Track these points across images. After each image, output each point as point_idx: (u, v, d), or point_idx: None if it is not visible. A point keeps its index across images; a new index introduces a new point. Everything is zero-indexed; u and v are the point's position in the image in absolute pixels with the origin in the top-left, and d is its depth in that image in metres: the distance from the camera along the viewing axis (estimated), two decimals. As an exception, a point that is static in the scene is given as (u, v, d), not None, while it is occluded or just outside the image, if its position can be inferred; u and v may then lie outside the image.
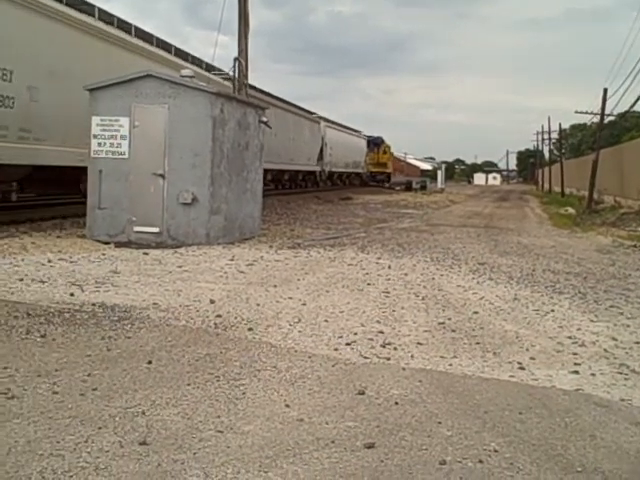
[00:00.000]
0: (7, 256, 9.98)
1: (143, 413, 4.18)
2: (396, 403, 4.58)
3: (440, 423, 4.25)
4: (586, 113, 40.29)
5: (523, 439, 4.04)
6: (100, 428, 3.92)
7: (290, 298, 7.83)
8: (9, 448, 3.59)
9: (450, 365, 5.54)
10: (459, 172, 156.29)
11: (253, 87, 23.48)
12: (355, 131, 59.19)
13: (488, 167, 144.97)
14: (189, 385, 4.75)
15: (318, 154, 42.36)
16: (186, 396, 4.53)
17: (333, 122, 49.72)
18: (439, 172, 64.59)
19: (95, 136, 12.59)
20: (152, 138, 12.35)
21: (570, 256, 12.98)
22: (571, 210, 29.02)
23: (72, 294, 7.52)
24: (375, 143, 64.44)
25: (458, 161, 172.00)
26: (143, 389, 4.62)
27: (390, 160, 69.18)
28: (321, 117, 45.44)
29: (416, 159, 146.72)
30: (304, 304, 7.54)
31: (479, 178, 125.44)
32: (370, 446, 3.83)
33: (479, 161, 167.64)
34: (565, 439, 4.07)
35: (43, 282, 8.14)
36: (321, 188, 43.19)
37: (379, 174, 64.90)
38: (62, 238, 12.45)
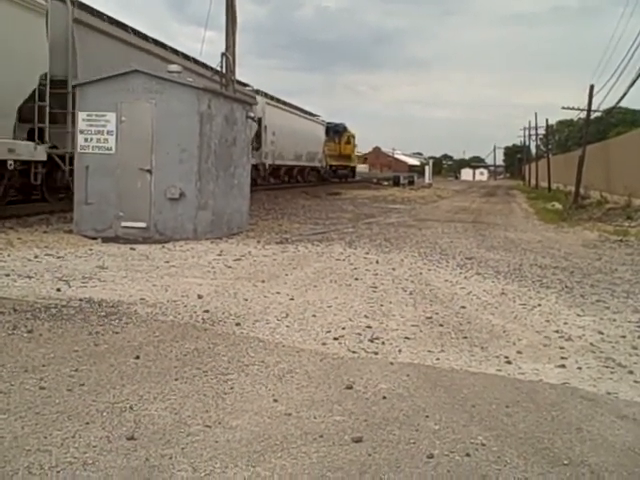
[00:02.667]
0: (-7, 252, 9.91)
1: (131, 408, 4.17)
2: (384, 397, 4.59)
3: (428, 417, 4.26)
4: (573, 109, 40.37)
5: (510, 433, 4.06)
6: (87, 423, 3.91)
7: (278, 293, 7.83)
8: (-4, 444, 3.58)
9: (438, 359, 5.55)
10: (447, 167, 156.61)
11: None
12: (310, 114, 47.66)
13: (475, 162, 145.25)
14: (177, 380, 4.74)
15: (253, 141, 33.12)
16: (174, 391, 4.52)
17: (278, 100, 38.91)
18: (427, 167, 64.79)
19: (82, 131, 12.55)
20: (139, 133, 12.30)
21: (557, 251, 13.04)
22: (558, 205, 29.14)
23: (59, 289, 7.48)
24: (336, 131, 54.55)
25: (446, 156, 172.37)
26: (131, 384, 4.61)
27: (354, 152, 60.89)
28: (258, 91, 34.16)
29: (404, 154, 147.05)
30: (292, 299, 7.54)
31: (466, 173, 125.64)
32: (358, 440, 3.84)
33: (467, 156, 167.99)
34: (552, 432, 4.09)
35: (30, 277, 8.10)
36: (259, 187, 30.61)
37: (341, 168, 56.24)
38: (49, 233, 12.40)
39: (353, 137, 58.72)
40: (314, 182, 47.03)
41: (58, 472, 3.31)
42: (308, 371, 5.09)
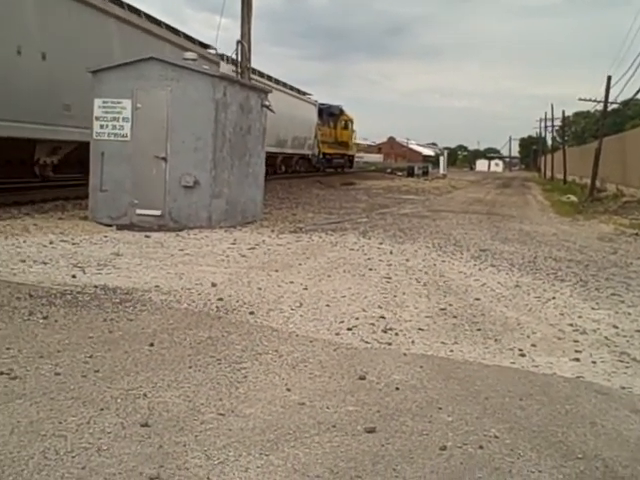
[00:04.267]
0: (9, 237, 9.98)
1: (145, 395, 4.20)
2: (397, 388, 4.59)
3: (441, 409, 4.26)
4: (589, 101, 40.25)
5: (523, 426, 4.06)
6: (102, 410, 3.94)
7: (292, 282, 7.84)
8: (12, 428, 3.61)
9: (451, 351, 5.55)
10: (461, 158, 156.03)
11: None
12: (299, 92, 39.44)
13: (491, 153, 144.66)
14: (190, 368, 4.76)
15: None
16: (188, 379, 4.54)
17: (253, 70, 27.63)
18: (441, 158, 64.39)
19: (97, 118, 12.57)
20: (154, 121, 12.31)
21: (572, 244, 12.98)
22: (573, 198, 28.97)
23: (74, 276, 7.52)
24: (330, 113, 47.05)
25: (460, 147, 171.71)
26: (145, 371, 4.63)
27: (353, 138, 53.75)
28: (223, 56, 26.11)
29: (418, 145, 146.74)
30: (305, 288, 7.55)
31: (481, 164, 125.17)
32: (371, 431, 3.85)
33: (482, 147, 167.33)
34: (565, 426, 4.08)
35: (45, 264, 8.15)
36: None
37: (337, 157, 49.25)
38: (64, 220, 12.45)
39: (351, 121, 51.77)
40: (302, 173, 40.34)
41: (73, 457, 3.33)
42: (321, 361, 5.10)
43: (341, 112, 49.60)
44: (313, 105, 42.33)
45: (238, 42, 20.18)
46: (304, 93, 41.04)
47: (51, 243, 9.69)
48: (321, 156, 44.40)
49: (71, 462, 3.29)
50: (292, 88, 37.54)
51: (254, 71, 30.11)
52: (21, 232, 10.57)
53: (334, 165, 49.23)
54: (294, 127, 35.94)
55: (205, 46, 23.75)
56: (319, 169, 44.57)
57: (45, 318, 5.78)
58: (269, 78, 32.52)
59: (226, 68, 24.12)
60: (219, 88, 12.51)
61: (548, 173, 66.08)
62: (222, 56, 26.62)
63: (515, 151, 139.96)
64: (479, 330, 6.22)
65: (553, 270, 9.61)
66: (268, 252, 10.06)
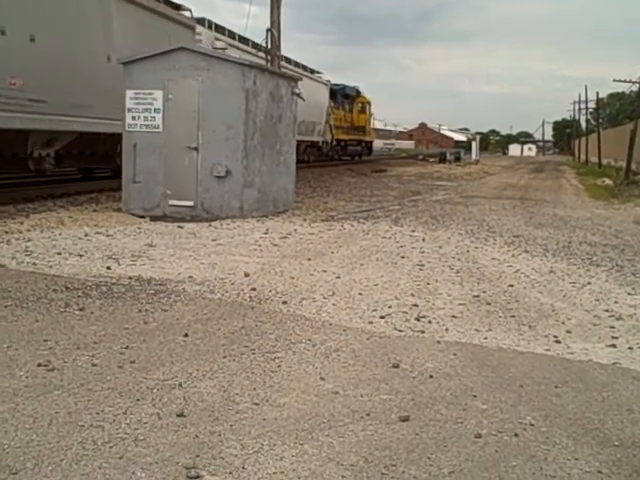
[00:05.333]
0: (45, 230, 10.13)
1: (180, 385, 4.24)
2: (431, 376, 4.58)
3: (475, 396, 4.24)
4: (625, 82, 39.52)
5: (559, 413, 4.02)
6: (138, 400, 3.98)
7: (324, 271, 7.85)
8: (50, 419, 3.67)
9: (485, 338, 5.52)
10: (494, 143, 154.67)
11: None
12: (306, 69, 33.56)
13: (523, 138, 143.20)
14: (225, 358, 4.80)
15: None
16: (222, 369, 4.57)
17: (243, 39, 26.33)
18: (473, 143, 63.77)
19: (129, 109, 12.66)
20: (185, 111, 12.37)
21: (607, 228, 12.81)
22: (608, 181, 28.54)
23: (109, 267, 7.61)
24: (345, 95, 42.39)
25: (493, 132, 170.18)
26: (180, 362, 4.68)
27: (371, 123, 49.34)
28: (202, 20, 23.62)
29: (450, 130, 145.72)
30: (338, 277, 7.55)
31: (514, 149, 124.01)
32: (405, 419, 3.85)
33: (514, 132, 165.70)
34: (602, 413, 4.04)
35: (80, 255, 8.25)
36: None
37: (352, 143, 44.33)
38: (98, 212, 12.60)
39: (369, 104, 46.87)
40: (313, 163, 35.34)
41: (111, 447, 3.38)
42: (355, 349, 5.10)
43: (358, 94, 45.11)
44: (324, 85, 36.88)
45: (268, 30, 20.18)
46: (313, 71, 35.27)
47: (86, 235, 9.81)
48: (334, 143, 39.56)
49: (109, 452, 3.34)
50: (298, 64, 32.08)
51: (245, 40, 26.07)
52: (56, 225, 10.72)
53: (349, 153, 44.64)
54: (300, 110, 30.63)
55: (176, 7, 20.45)
56: (332, 157, 39.90)
57: (81, 310, 5.86)
58: (255, 46, 25.28)
59: (207, 34, 21.97)
60: (249, 77, 12.52)
61: (582, 157, 65.16)
62: (200, 20, 23.23)
63: (548, 135, 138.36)
64: (513, 317, 6.18)
65: (588, 255, 9.50)
66: (300, 241, 10.08)
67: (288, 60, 29.34)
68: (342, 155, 42.99)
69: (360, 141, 46.37)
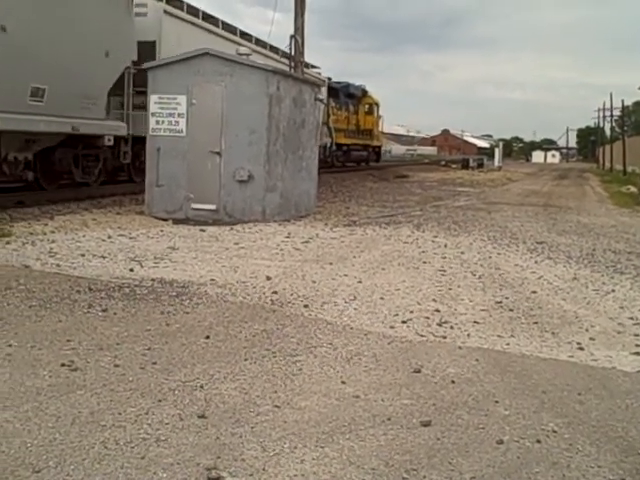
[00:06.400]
0: (69, 232, 10.23)
1: (202, 387, 4.25)
2: (452, 382, 4.56)
3: (497, 402, 4.21)
4: (650, 89, 39.12)
5: (582, 420, 3.99)
6: (160, 401, 4.00)
7: (346, 275, 7.84)
8: (73, 418, 3.70)
9: (507, 344, 5.48)
10: (517, 150, 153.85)
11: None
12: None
13: (547, 145, 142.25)
14: (246, 360, 4.80)
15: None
16: (243, 371, 4.58)
17: (209, 17, 21.28)
18: (496, 150, 63.38)
19: (153, 114, 12.75)
20: (209, 116, 12.43)
21: (632, 235, 12.68)
22: (633, 189, 28.23)
23: (132, 269, 7.66)
24: (349, 94, 37.27)
25: (516, 139, 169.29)
26: (201, 363, 4.69)
27: (379, 126, 44.27)
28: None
29: (473, 137, 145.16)
30: (360, 281, 7.54)
31: (537, 156, 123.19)
32: (426, 424, 3.83)
33: (538, 139, 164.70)
34: (626, 421, 4.00)
35: (104, 257, 8.31)
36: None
37: (357, 148, 39.14)
38: (121, 215, 12.69)
39: (377, 105, 42.44)
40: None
41: (132, 448, 3.40)
42: (376, 354, 5.09)
43: (364, 93, 40.30)
44: (321, 81, 29.39)
45: (292, 36, 20.23)
46: (308, 65, 28.40)
47: (109, 237, 9.88)
48: (334, 148, 34.15)
49: (130, 452, 3.35)
50: (285, 54, 24.18)
51: (208, 17, 21.67)
52: (80, 227, 10.81)
53: (353, 159, 39.45)
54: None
55: None
56: (332, 164, 34.39)
57: (104, 311, 5.90)
58: (243, 35, 23.01)
59: (156, 12, 17.63)
60: (272, 82, 12.56)
61: (607, 164, 64.62)
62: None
63: (572, 142, 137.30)
64: (536, 323, 6.13)
65: (612, 262, 9.41)
66: (322, 245, 10.08)
67: (270, 47, 25.19)
68: (345, 161, 37.76)
69: (366, 146, 41.41)
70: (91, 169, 16.18)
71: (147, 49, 17.07)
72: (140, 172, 17.57)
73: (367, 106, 40.91)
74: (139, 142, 16.77)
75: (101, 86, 15.24)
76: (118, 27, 15.43)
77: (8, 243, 8.93)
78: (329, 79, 33.17)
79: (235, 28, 22.75)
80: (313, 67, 31.00)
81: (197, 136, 12.48)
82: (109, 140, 15.68)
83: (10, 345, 4.87)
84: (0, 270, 7.29)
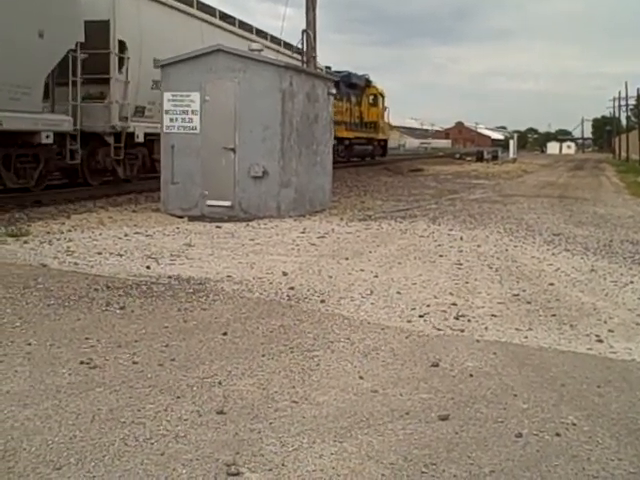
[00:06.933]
0: (86, 230, 10.28)
1: (220, 383, 4.27)
2: (470, 375, 4.54)
3: (516, 396, 4.20)
4: (666, 77, 38.71)
5: (602, 413, 3.96)
6: (179, 397, 4.02)
7: (362, 270, 7.83)
8: (93, 416, 3.72)
9: (525, 337, 5.46)
10: (532, 141, 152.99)
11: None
12: (287, 46, 24.95)
13: (562, 136, 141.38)
14: (264, 356, 4.81)
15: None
16: (261, 367, 4.59)
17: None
18: (511, 141, 62.99)
19: (167, 111, 12.79)
20: (222, 112, 12.45)
21: (649, 226, 12.58)
22: (650, 178, 28.03)
23: (148, 267, 7.69)
24: (351, 84, 34.34)
25: (531, 130, 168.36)
26: (219, 360, 4.71)
27: (384, 118, 41.43)
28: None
29: (487, 129, 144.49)
30: (376, 276, 7.53)
31: (553, 147, 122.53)
32: (445, 418, 3.82)
33: (552, 130, 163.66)
34: (646, 413, 3.97)
35: (120, 255, 8.35)
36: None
37: (360, 142, 36.41)
38: (137, 212, 12.75)
39: (382, 96, 39.83)
40: None
41: (152, 444, 3.42)
42: (393, 348, 5.09)
43: (367, 83, 37.71)
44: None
45: (303, 31, 20.24)
46: (289, 45, 25.33)
47: (125, 235, 9.93)
48: (334, 142, 29.61)
49: (150, 448, 3.37)
50: (274, 39, 24.42)
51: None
52: (97, 225, 10.88)
53: (357, 153, 36.66)
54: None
55: None
56: (333, 160, 30.08)
57: (122, 308, 5.93)
58: (223, 17, 20.74)
59: None
60: (285, 78, 12.55)
61: (623, 154, 64.16)
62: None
63: (588, 132, 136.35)
64: (554, 316, 6.10)
65: (630, 253, 9.34)
66: (338, 240, 10.08)
67: (258, 31, 23.26)
68: (348, 156, 34.62)
69: (371, 139, 38.66)
70: (28, 172, 13.55)
71: (98, 30, 14.80)
72: (97, 174, 16.50)
73: (371, 97, 38.54)
74: (95, 139, 15.60)
75: (34, 72, 12.72)
76: (56, 3, 13.18)
77: (26, 242, 8.99)
78: (328, 68, 30.16)
79: (234, 19, 21.45)
80: (298, 51, 26.22)
81: (211, 133, 12.50)
82: (47, 137, 13.20)
83: (29, 344, 4.91)
84: (18, 269, 7.35)
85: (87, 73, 14.73)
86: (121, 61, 15.79)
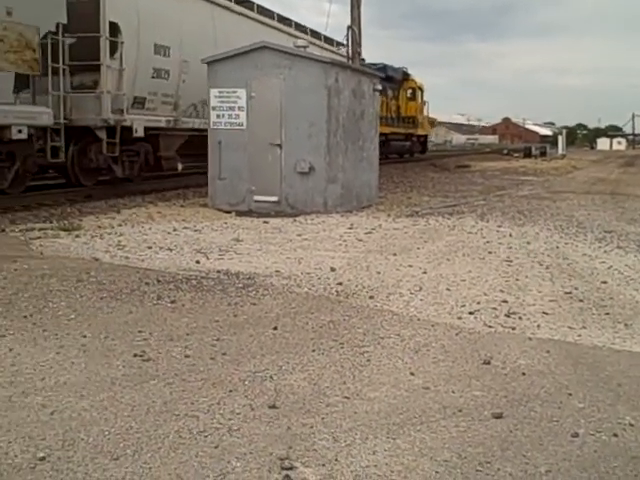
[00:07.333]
0: (135, 225, 10.43)
1: (271, 378, 4.28)
2: (523, 374, 4.48)
3: (571, 395, 4.13)
4: None
5: (661, 413, 3.88)
6: (231, 391, 4.05)
7: (410, 266, 7.79)
8: (147, 408, 3.76)
9: (579, 336, 5.37)
10: (581, 137, 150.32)
11: None
12: (321, 38, 24.72)
13: (612, 132, 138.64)
14: (314, 351, 4.82)
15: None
16: (312, 362, 4.60)
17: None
18: (560, 137, 61.91)
19: (214, 108, 12.89)
20: (268, 109, 12.50)
21: None
22: None
23: (198, 261, 7.76)
24: (387, 77, 28.03)
25: (580, 126, 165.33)
26: (270, 354, 4.72)
27: (424, 112, 38.84)
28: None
29: (535, 124, 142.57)
30: (425, 272, 7.48)
31: (602, 143, 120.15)
32: (498, 416, 3.78)
33: (602, 125, 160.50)
34: None
35: (170, 250, 8.44)
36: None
37: (397, 138, 33.80)
38: (185, 207, 12.89)
39: (420, 89, 37.56)
40: None
41: (206, 437, 3.44)
42: (444, 345, 5.05)
43: (405, 76, 35.46)
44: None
45: (349, 27, 20.21)
46: (333, 41, 25.12)
47: (175, 230, 10.04)
48: None
49: (204, 441, 3.40)
50: (299, 26, 23.30)
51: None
52: (146, 220, 11.02)
53: (393, 150, 34.43)
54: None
55: None
56: None
57: (173, 302, 5.99)
58: (240, 2, 19.51)
59: None
60: (331, 74, 12.54)
61: (675, 150, 62.61)
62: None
63: (639, 128, 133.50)
64: (607, 314, 5.99)
65: (685, 251, 9.12)
66: (385, 236, 10.04)
67: (280, 18, 22.20)
68: (385, 153, 29.77)
69: (409, 135, 36.51)
70: (0, 172, 12.14)
71: (86, 10, 13.21)
72: (90, 173, 14.84)
73: (409, 91, 36.47)
74: (87, 134, 14.01)
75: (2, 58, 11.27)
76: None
77: (78, 236, 9.15)
78: (362, 60, 25.59)
79: (252, 3, 20.21)
80: (338, 43, 26.70)
81: (257, 129, 12.56)
82: (20, 132, 11.67)
83: (84, 336, 4.99)
84: (71, 262, 7.48)
85: (76, 60, 13.29)
86: (114, 46, 13.98)
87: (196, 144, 16.00)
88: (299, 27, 23.02)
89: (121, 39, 14.09)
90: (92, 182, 15.12)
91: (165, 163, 16.83)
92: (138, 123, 14.93)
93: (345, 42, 20.74)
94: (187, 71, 16.45)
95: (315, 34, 24.14)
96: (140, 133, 15.05)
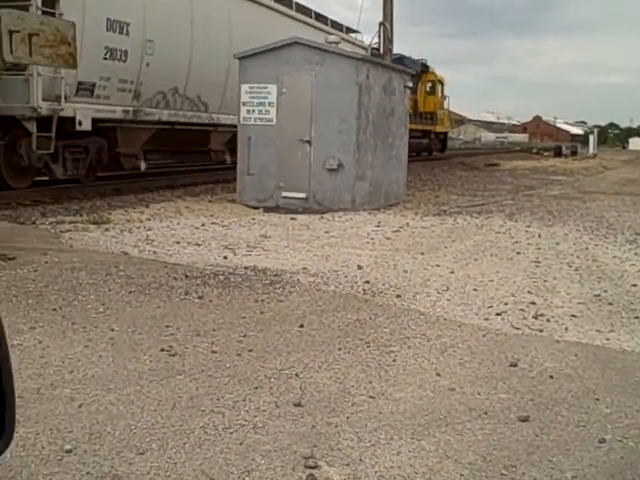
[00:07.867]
0: (164, 220, 10.50)
1: (297, 375, 4.29)
2: (551, 377, 4.45)
3: (598, 400, 4.09)
4: None
5: (690, 421, 3.83)
6: (256, 388, 4.06)
7: (438, 266, 7.76)
8: (174, 403, 3.79)
9: (607, 339, 5.31)
10: (612, 137, 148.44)
11: None
12: (334, 26, 23.34)
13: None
14: (340, 350, 4.82)
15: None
16: (337, 360, 4.60)
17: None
18: (591, 137, 61.21)
19: (244, 103, 12.91)
20: (298, 105, 12.50)
21: None
22: None
23: (225, 257, 7.80)
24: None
25: (612, 125, 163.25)
26: (296, 352, 4.73)
27: (443, 106, 36.55)
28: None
29: (566, 123, 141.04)
30: (452, 272, 7.45)
31: (635, 143, 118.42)
32: (525, 419, 3.75)
33: (635, 125, 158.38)
34: None
35: (198, 245, 8.49)
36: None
37: (415, 135, 29.42)
38: (213, 203, 12.94)
39: (441, 83, 35.69)
40: None
41: (231, 433, 3.46)
42: (471, 346, 5.02)
43: (424, 69, 33.38)
44: (360, 49, 23.00)
45: (380, 24, 20.13)
46: (348, 29, 24.25)
47: (202, 225, 10.09)
48: None
49: (229, 438, 3.42)
50: (318, 16, 22.20)
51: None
52: (174, 214, 11.09)
53: (411, 147, 30.31)
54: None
55: None
56: None
57: (200, 298, 6.02)
58: None
59: None
60: (362, 71, 12.52)
61: None
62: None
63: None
64: (637, 318, 5.92)
65: None
66: (413, 235, 10.01)
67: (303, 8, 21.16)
68: None
69: (427, 132, 34.37)
70: None
71: None
72: (22, 174, 12.38)
73: (428, 84, 34.47)
74: (15, 126, 11.76)
75: None
76: None
77: (107, 230, 9.24)
78: (376, 50, 22.73)
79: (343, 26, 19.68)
80: (352, 31, 25.50)
81: (287, 125, 12.57)
82: None
83: (113, 330, 5.04)
84: (101, 256, 7.55)
85: None
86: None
87: (167, 139, 14.75)
88: (301, 8, 21.95)
89: (59, 10, 11.57)
90: (25, 184, 12.63)
91: (125, 161, 14.57)
92: (83, 113, 12.50)
93: (377, 39, 20.62)
94: (152, 52, 14.05)
95: (336, 24, 23.85)
96: (86, 126, 12.61)
